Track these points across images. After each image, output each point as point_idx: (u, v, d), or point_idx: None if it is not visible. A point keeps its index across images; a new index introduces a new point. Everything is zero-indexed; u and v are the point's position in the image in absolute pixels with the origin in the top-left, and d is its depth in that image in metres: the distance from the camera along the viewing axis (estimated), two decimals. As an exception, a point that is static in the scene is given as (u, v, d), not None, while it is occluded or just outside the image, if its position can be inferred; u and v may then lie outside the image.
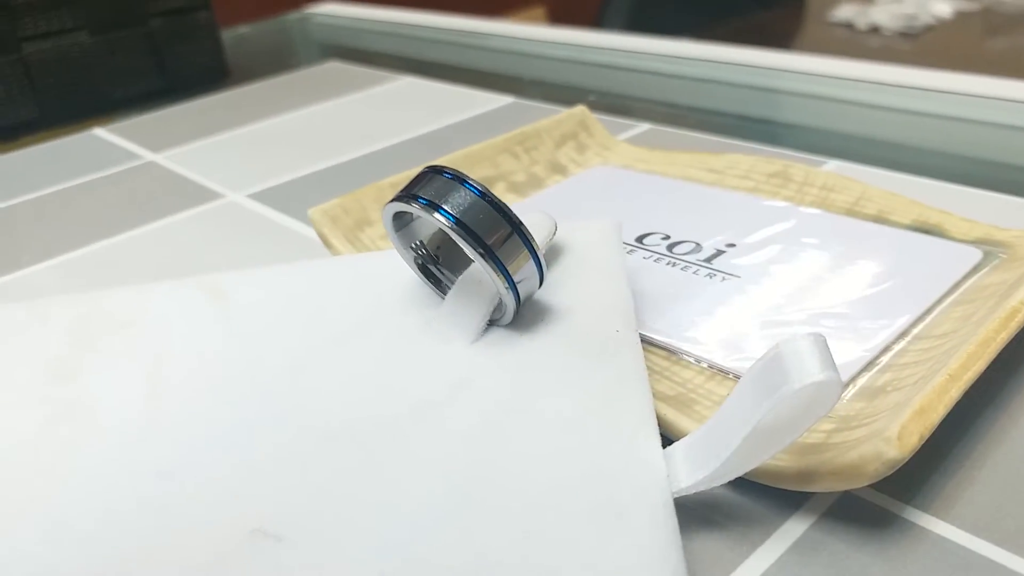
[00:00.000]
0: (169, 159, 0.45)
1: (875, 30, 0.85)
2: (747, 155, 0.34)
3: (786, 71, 0.51)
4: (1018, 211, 0.31)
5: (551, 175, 0.35)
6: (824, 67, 0.50)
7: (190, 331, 0.23)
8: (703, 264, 0.27)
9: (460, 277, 0.23)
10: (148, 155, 0.46)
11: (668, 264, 0.27)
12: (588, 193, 0.33)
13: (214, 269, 0.32)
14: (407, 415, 0.20)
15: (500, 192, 0.34)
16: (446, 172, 0.21)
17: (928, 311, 0.23)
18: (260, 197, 0.39)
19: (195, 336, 0.23)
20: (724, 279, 0.26)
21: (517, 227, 0.21)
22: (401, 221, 0.23)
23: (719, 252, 0.27)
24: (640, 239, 0.29)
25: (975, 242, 0.26)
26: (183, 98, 0.56)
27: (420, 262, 0.23)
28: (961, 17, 0.80)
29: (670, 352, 0.23)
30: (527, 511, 0.17)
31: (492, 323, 0.22)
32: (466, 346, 0.22)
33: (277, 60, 0.66)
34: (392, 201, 0.22)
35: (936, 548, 0.17)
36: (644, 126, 0.43)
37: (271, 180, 0.41)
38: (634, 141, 0.41)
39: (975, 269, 0.25)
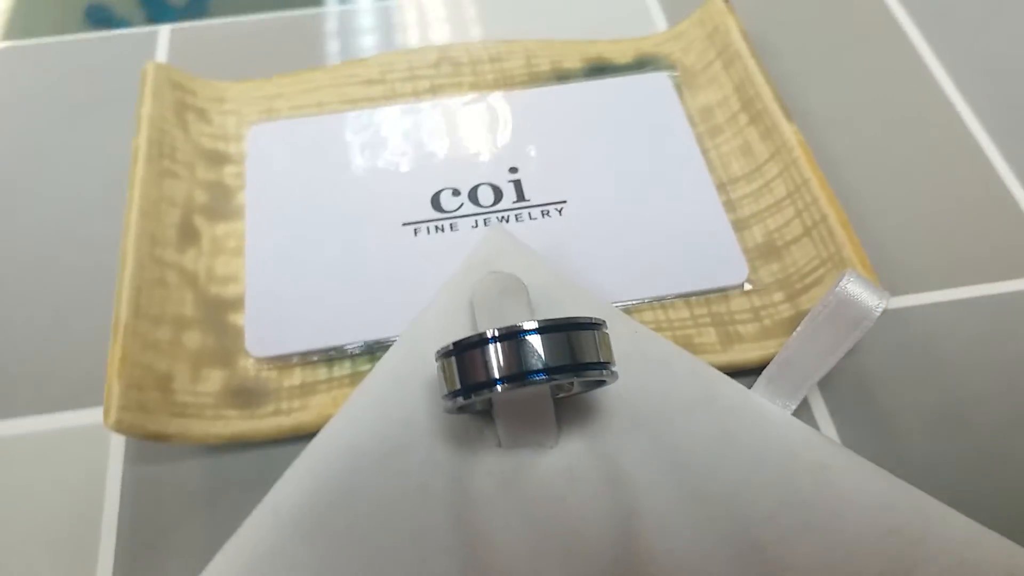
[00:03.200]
0: None
1: None
2: (389, 53, 0.32)
3: None
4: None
5: (222, 168, 0.29)
6: None
7: None
8: (526, 207, 0.28)
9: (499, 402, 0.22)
10: None
11: (501, 221, 0.28)
12: (297, 175, 0.29)
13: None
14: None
15: (206, 226, 0.28)
16: (490, 339, 0.20)
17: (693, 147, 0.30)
18: None
19: None
20: (560, 210, 0.28)
21: (581, 326, 0.20)
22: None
23: (516, 183, 0.29)
24: (437, 205, 0.28)
25: (636, 63, 0.32)
26: None
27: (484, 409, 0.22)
28: None
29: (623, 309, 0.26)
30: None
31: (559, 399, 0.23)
32: (578, 444, 0.22)
33: None
34: (461, 405, 0.20)
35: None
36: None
37: None
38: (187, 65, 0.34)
39: (678, 93, 0.31)
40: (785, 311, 0.26)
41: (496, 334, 0.20)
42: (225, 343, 0.25)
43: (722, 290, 0.26)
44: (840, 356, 0.23)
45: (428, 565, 0.20)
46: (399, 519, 0.21)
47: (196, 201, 0.28)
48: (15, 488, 0.24)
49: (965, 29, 0.35)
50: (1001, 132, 0.32)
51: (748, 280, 0.27)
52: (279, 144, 0.30)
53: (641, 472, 0.22)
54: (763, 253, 0.27)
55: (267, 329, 0.25)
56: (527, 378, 0.19)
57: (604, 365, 0.20)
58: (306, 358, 0.25)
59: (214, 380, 0.24)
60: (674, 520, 0.21)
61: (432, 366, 0.23)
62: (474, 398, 0.20)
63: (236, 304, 0.26)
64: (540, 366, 0.19)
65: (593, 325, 0.20)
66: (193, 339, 0.25)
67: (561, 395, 0.22)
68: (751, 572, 0.20)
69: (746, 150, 0.29)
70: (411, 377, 0.22)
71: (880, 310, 0.22)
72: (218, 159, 0.29)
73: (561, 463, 0.22)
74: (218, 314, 0.26)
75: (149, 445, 0.24)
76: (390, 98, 0.31)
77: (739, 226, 0.28)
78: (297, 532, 0.20)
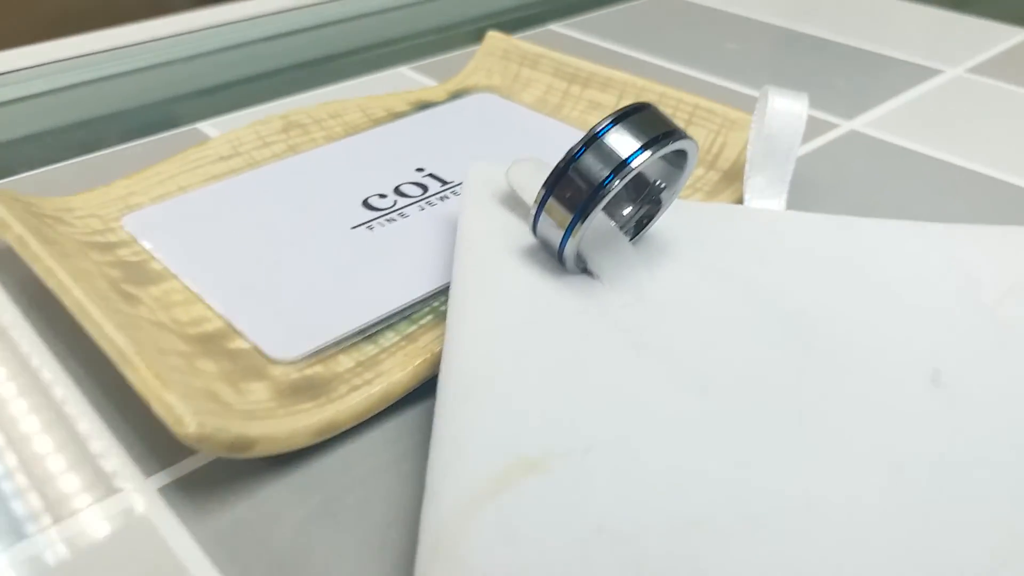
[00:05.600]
0: None
1: None
2: (231, 131, 0.31)
3: None
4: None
5: (114, 252, 0.25)
6: None
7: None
8: (456, 185, 0.28)
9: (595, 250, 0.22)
10: None
11: (443, 200, 0.28)
12: (213, 232, 0.26)
13: None
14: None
15: (138, 291, 0.23)
16: (576, 153, 0.20)
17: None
18: None
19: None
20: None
21: (642, 107, 0.21)
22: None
23: (431, 175, 0.29)
24: (370, 207, 0.27)
25: (454, 97, 0.35)
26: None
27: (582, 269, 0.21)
28: None
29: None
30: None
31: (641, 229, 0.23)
32: (674, 266, 0.22)
33: None
34: (574, 226, 0.20)
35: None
36: None
37: None
38: None
39: (506, 96, 0.35)
40: (713, 176, 0.29)
41: (578, 149, 0.20)
42: (243, 363, 0.21)
43: (656, 183, 0.29)
44: (796, 153, 0.26)
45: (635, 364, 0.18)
46: (577, 343, 0.19)
47: (111, 275, 0.23)
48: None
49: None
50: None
51: (668, 172, 0.30)
52: (167, 218, 0.26)
53: (740, 261, 0.22)
54: (663, 154, 0.30)
55: (282, 336, 0.22)
56: (629, 161, 0.20)
57: (679, 129, 0.21)
58: (342, 344, 0.22)
59: (260, 389, 0.20)
60: (790, 281, 0.22)
61: (511, 261, 0.22)
62: (593, 210, 0.20)
63: (226, 335, 0.22)
64: (636, 145, 0.20)
65: (649, 104, 0.21)
66: (208, 365, 0.20)
67: (635, 236, 0.23)
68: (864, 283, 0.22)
69: (594, 105, 0.33)
70: (500, 280, 0.21)
71: (807, 106, 0.27)
72: (105, 247, 0.25)
73: (672, 277, 0.22)
74: (215, 345, 0.21)
75: (186, 493, 0.19)
76: (252, 166, 0.30)
77: (628, 150, 0.31)
78: (507, 391, 0.17)
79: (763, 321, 0.20)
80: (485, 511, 0.15)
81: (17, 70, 0.41)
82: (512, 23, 0.49)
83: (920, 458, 0.17)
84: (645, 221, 0.23)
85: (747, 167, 0.27)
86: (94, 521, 0.18)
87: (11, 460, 0.19)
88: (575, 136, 0.31)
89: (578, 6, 0.50)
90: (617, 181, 0.19)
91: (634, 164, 0.19)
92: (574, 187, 0.20)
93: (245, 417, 0.18)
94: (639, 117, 0.20)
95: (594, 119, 0.33)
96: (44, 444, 0.20)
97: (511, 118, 0.33)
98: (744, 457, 0.17)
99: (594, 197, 0.19)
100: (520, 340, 0.19)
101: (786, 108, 0.26)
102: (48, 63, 0.41)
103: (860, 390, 0.19)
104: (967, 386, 0.19)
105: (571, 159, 0.20)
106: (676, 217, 0.24)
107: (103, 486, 0.19)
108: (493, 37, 0.37)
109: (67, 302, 0.20)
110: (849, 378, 0.19)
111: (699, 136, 0.30)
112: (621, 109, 0.20)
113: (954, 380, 0.19)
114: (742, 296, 0.21)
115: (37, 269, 0.22)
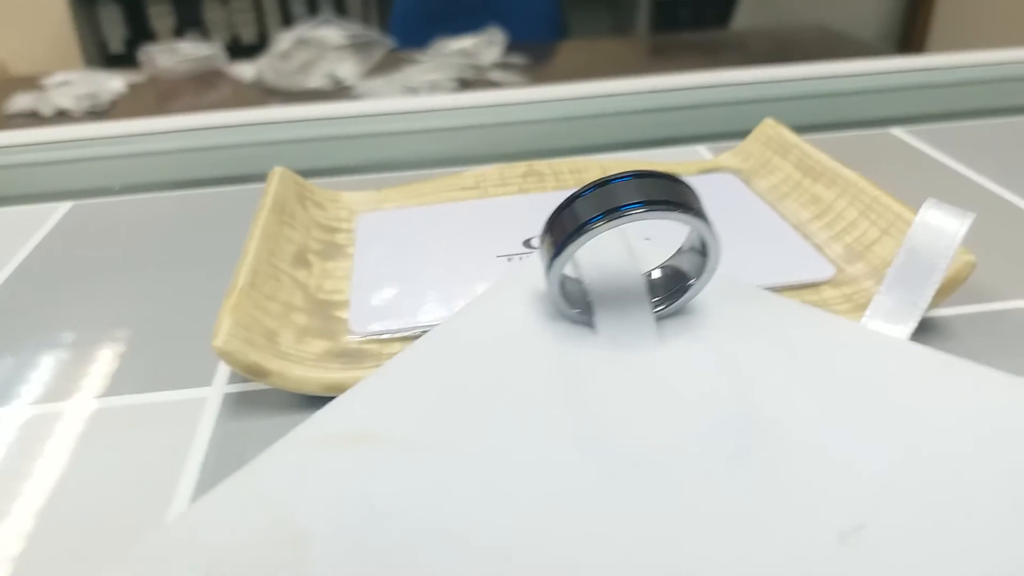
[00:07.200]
0: None
1: (62, 114, 0.82)
2: (484, 168, 0.37)
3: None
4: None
5: (333, 235, 0.32)
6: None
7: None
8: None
9: (594, 296, 0.22)
10: None
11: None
12: (401, 236, 0.32)
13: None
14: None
15: (317, 261, 0.30)
16: (584, 192, 0.21)
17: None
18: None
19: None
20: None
21: (672, 178, 0.21)
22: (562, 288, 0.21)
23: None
24: (528, 245, 0.30)
25: (704, 171, 0.36)
26: None
27: (584, 320, 0.22)
28: (134, 89, 0.88)
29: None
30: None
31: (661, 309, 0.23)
32: (683, 340, 0.22)
33: None
34: (555, 257, 0.20)
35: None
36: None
37: None
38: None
39: (747, 179, 0.34)
40: (875, 289, 0.26)
41: (586, 188, 0.21)
42: (330, 326, 0.26)
43: (812, 284, 0.27)
44: (939, 278, 0.23)
45: (541, 422, 0.19)
46: (512, 370, 0.20)
47: (311, 247, 0.31)
48: (114, 447, 0.23)
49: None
50: None
51: (836, 277, 0.27)
52: (387, 221, 0.33)
53: (754, 362, 0.21)
54: (847, 259, 0.28)
55: (369, 316, 0.26)
56: (621, 209, 0.20)
57: (698, 208, 0.20)
58: (404, 335, 0.26)
59: (318, 345, 0.25)
60: (791, 393, 0.20)
61: (524, 296, 0.23)
62: (569, 246, 0.20)
63: (341, 305, 0.27)
64: (637, 199, 0.20)
65: (682, 180, 0.21)
66: (300, 319, 0.26)
67: (661, 309, 0.23)
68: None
69: (814, 199, 0.31)
70: (497, 304, 0.23)
71: (965, 227, 0.23)
72: (330, 229, 0.32)
73: (667, 352, 0.21)
74: (325, 309, 0.27)
75: (242, 404, 0.24)
76: (482, 197, 0.35)
77: (820, 248, 0.29)
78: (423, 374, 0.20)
79: (724, 424, 0.19)
80: (298, 452, 0.18)
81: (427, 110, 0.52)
82: (858, 123, 0.47)
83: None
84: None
85: (881, 285, 0.24)
86: (178, 397, 0.25)
87: (158, 345, 0.27)
88: (772, 229, 0.30)
89: (950, 115, 0.46)
90: (603, 224, 0.20)
91: (626, 213, 0.20)
92: (565, 223, 0.21)
93: (278, 356, 0.24)
94: (662, 183, 0.21)
95: (808, 214, 0.31)
96: (188, 343, 0.27)
97: (731, 200, 0.33)
98: (552, 526, 0.16)
99: (575, 233, 0.20)
100: (464, 349, 0.21)
101: (938, 222, 0.23)
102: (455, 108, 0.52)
103: (758, 528, 0.17)
104: (874, 551, 0.16)
105: (575, 197, 0.21)
106: (743, 305, 0.23)
107: (201, 379, 0.26)
108: (766, 123, 0.37)
109: (244, 248, 0.28)
110: (758, 510, 0.17)
111: (885, 249, 0.27)
112: (651, 170, 0.21)
113: (869, 543, 0.16)
114: (729, 390, 0.20)
115: (250, 230, 0.30)
